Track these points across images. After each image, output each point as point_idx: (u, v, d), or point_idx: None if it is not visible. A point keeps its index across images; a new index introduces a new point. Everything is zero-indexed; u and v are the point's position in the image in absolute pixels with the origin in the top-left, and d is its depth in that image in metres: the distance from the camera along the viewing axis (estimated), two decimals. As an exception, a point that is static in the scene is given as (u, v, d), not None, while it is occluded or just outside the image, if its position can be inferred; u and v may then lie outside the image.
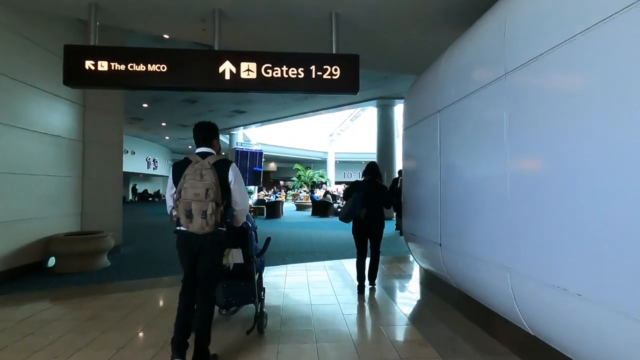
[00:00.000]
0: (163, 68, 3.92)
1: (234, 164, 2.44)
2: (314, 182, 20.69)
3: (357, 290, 4.03)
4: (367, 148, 32.85)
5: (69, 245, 4.87)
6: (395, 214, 9.23)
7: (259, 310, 2.88)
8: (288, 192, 29.16)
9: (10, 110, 4.49)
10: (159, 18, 4.43)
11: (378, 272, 4.32)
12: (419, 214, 3.89)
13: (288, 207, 19.23)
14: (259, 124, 18.79)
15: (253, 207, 13.73)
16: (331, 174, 28.62)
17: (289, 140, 29.51)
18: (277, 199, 15.86)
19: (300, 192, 25.79)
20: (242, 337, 2.77)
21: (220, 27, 4.19)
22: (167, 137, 23.55)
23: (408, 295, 4.05)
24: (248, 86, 4.01)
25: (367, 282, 4.15)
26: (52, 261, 5.09)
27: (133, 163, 23.96)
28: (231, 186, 2.36)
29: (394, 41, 5.16)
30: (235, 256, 2.76)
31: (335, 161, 31.36)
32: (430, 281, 4.10)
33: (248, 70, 4.00)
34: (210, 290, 2.40)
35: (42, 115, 5.02)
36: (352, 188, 4.25)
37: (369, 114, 28.19)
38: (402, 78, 10.23)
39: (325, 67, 4.04)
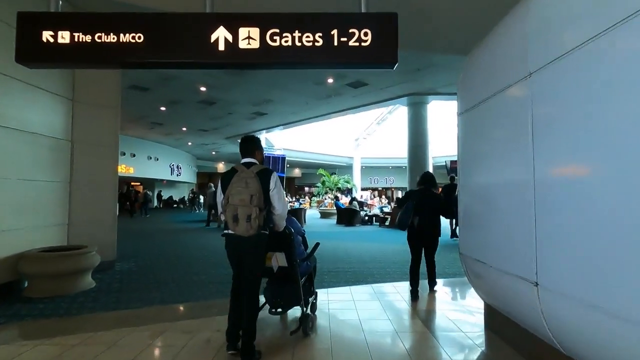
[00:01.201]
0: (139, 38, 2.99)
1: (274, 173, 2.71)
2: (339, 188, 19.56)
3: (410, 296, 4.11)
4: (394, 152, 31.58)
5: (40, 264, 4.03)
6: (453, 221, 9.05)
7: (305, 312, 3.03)
8: (313, 199, 28.23)
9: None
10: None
11: (428, 308, 3.89)
12: (489, 232, 2.71)
13: (311, 214, 18.22)
14: (281, 127, 17.99)
15: (273, 215, 12.77)
16: (357, 179, 27.42)
17: (313, 145, 28.70)
18: (301, 206, 14.86)
19: (325, 199, 24.76)
20: (285, 338, 2.92)
21: (214, -16, 3.23)
22: (189, 143, 23.28)
23: (474, 351, 2.85)
24: (249, 59, 3.00)
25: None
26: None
27: (157, 169, 23.88)
28: (271, 193, 2.60)
29: (441, 6, 4.04)
30: (279, 259, 2.87)
31: (362, 166, 30.19)
32: (504, 328, 2.89)
33: (249, 37, 3.00)
34: (253, 291, 2.60)
35: (14, 108, 4.24)
36: (405, 197, 4.47)
37: (397, 116, 26.92)
38: (438, 69, 9.01)
39: (351, 30, 2.97)
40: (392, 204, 16.68)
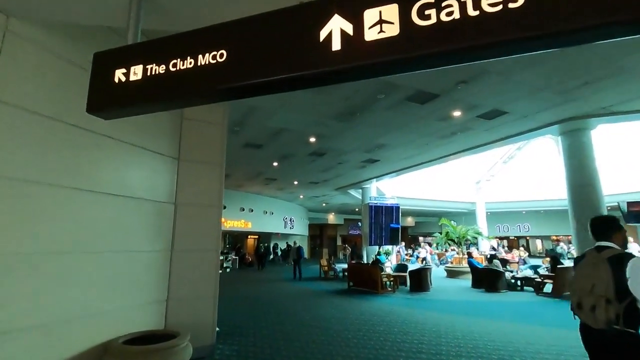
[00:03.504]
0: (221, 56, 2.07)
1: (635, 259, 2.20)
2: (469, 240, 16.52)
3: None
4: (529, 195, 26.64)
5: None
6: None
7: None
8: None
9: (69, 167, 3.36)
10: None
11: None
12: None
13: (435, 272, 15.55)
14: (393, 174, 16.52)
15: (393, 276, 10.94)
16: (482, 228, 23.42)
17: (427, 192, 26.21)
18: (424, 266, 12.62)
19: (448, 252, 21.52)
20: None
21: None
22: (301, 196, 23.58)
23: None
24: (383, 54, 1.75)
25: None
26: (116, 376, 3.56)
27: (272, 223, 24.69)
28: (629, 284, 2.12)
29: None
30: None
31: (487, 213, 25.96)
32: None
33: (380, 22, 1.77)
34: None
35: (115, 172, 3.87)
36: None
37: (528, 152, 22.80)
38: (622, 80, 6.52)
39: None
40: (546, 262, 12.99)
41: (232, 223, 20.54)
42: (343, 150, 11.80)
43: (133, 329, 3.79)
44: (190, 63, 2.15)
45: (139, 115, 2.53)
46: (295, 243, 15.39)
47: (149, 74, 2.25)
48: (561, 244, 26.07)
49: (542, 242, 33.67)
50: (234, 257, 20.61)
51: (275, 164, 13.79)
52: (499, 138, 10.29)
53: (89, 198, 3.52)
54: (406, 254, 23.75)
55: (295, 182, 18.10)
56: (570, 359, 4.43)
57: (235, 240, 26.42)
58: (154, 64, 2.24)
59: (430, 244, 27.82)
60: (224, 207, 18.28)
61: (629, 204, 12.61)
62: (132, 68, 2.30)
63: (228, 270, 18.26)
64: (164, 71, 2.21)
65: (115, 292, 3.73)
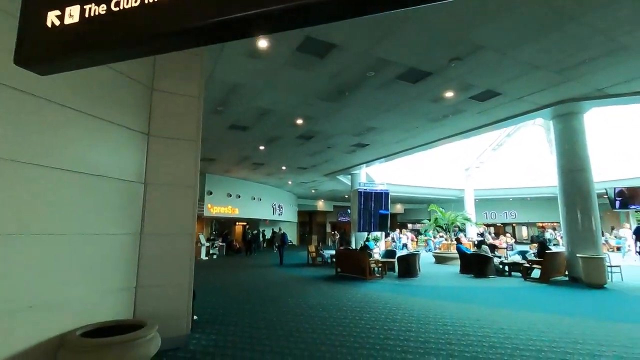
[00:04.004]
0: (173, -9, 1.69)
1: None
2: (458, 227, 16.47)
3: None
4: (517, 182, 26.89)
5: (78, 356, 2.88)
6: None
7: None
8: (420, 238, 25.18)
9: (17, 140, 2.93)
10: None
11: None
12: None
13: (423, 257, 15.48)
14: (382, 159, 16.28)
15: (381, 262, 10.76)
16: (471, 214, 23.49)
17: (416, 179, 26.16)
18: (411, 252, 12.49)
19: (436, 238, 21.56)
20: None
21: None
22: (289, 182, 23.23)
23: None
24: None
25: None
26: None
27: (260, 209, 24.31)
28: None
29: None
30: None
31: (475, 199, 26.04)
32: None
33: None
34: None
35: (78, 147, 3.45)
36: None
37: (517, 139, 22.83)
38: (622, 60, 6.27)
39: None
40: (534, 247, 12.99)
41: (219, 209, 20.11)
42: (332, 133, 11.44)
43: (97, 319, 3.44)
44: (136, 1, 1.75)
45: (81, 68, 2.12)
46: (280, 229, 15.31)
47: (87, 15, 1.84)
48: (549, 230, 26.49)
49: (527, 229, 34.19)
50: (220, 243, 20.26)
51: (262, 147, 13.37)
52: (491, 121, 10.05)
53: (43, 174, 3.11)
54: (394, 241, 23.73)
55: (284, 168, 17.71)
56: (563, 346, 4.26)
57: (222, 226, 25.98)
58: (93, 3, 1.83)
59: (418, 231, 27.90)
60: (210, 193, 17.68)
61: (616, 191, 12.63)
62: (68, 9, 1.88)
63: (215, 256, 17.93)
64: (105, 12, 1.80)
65: (76, 279, 3.35)
